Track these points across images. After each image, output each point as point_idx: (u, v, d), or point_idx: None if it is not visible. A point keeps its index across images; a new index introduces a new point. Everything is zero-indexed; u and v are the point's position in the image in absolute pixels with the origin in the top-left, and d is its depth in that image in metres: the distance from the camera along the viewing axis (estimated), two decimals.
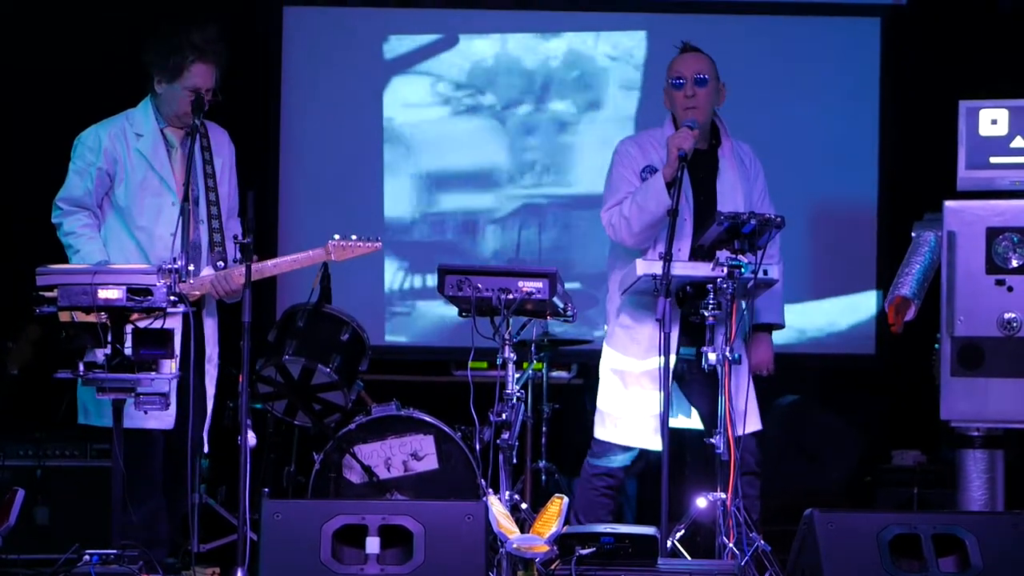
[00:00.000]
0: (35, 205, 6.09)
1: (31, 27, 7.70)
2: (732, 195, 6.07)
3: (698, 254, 5.87)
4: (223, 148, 6.05)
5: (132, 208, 5.89)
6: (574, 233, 8.13)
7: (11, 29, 7.63)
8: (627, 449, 6.10)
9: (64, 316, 5.32)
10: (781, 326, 6.26)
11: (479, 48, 8.23)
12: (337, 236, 6.00)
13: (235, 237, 5.65)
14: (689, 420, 6.13)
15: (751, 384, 6.00)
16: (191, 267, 5.75)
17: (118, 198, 5.90)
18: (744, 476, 5.84)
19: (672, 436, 5.69)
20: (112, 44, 7.06)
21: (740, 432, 5.76)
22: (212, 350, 6.02)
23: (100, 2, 7.68)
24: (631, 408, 6.03)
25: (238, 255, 5.92)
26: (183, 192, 5.80)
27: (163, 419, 5.70)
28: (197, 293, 5.87)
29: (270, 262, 5.97)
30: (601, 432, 6.11)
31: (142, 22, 6.25)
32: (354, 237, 6.01)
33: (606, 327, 6.27)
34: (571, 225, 8.13)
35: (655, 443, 5.90)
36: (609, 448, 6.10)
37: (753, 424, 6.01)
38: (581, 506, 6.13)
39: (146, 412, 5.54)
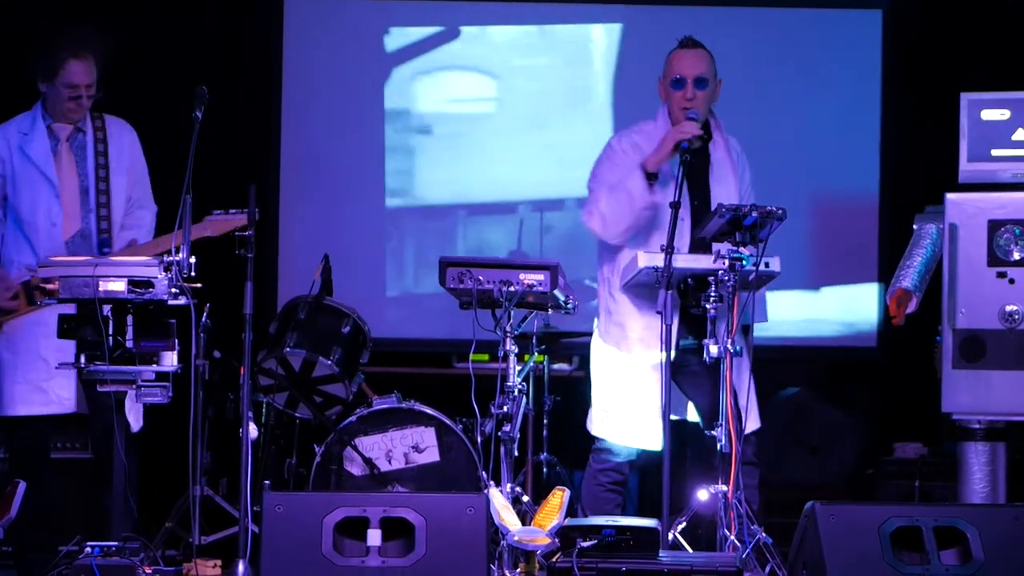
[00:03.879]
0: None
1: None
2: (725, 189, 6.04)
3: (699, 247, 5.85)
4: (122, 138, 6.16)
5: (19, 204, 6.02)
6: (576, 226, 8.12)
7: None
8: (627, 449, 6.09)
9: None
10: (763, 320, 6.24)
11: (480, 40, 8.23)
12: (215, 210, 6.06)
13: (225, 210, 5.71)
14: (686, 415, 6.11)
15: (752, 381, 5.99)
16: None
17: (9, 197, 6.04)
18: (743, 466, 5.84)
19: (672, 429, 5.68)
20: None
21: (743, 425, 5.77)
22: None
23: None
24: (628, 407, 6.02)
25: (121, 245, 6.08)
26: (93, 184, 5.96)
27: (60, 404, 5.85)
28: None
29: (150, 241, 6.07)
30: (598, 429, 6.11)
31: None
32: (232, 211, 6.03)
33: (596, 320, 6.26)
34: (572, 218, 8.12)
35: (652, 443, 5.90)
36: (606, 447, 6.10)
37: (752, 423, 6.00)
38: (588, 502, 6.13)
39: (146, 405, 5.58)
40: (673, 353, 5.76)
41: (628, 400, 6.03)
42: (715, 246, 5.67)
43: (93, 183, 6.03)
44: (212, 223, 6.01)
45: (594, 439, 6.16)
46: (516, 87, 8.20)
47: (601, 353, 6.18)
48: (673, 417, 5.91)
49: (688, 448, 6.69)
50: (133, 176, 6.18)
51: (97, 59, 6.01)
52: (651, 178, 5.86)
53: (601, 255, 6.19)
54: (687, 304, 5.82)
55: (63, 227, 5.99)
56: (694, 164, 5.94)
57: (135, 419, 5.99)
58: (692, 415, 6.10)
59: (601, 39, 8.24)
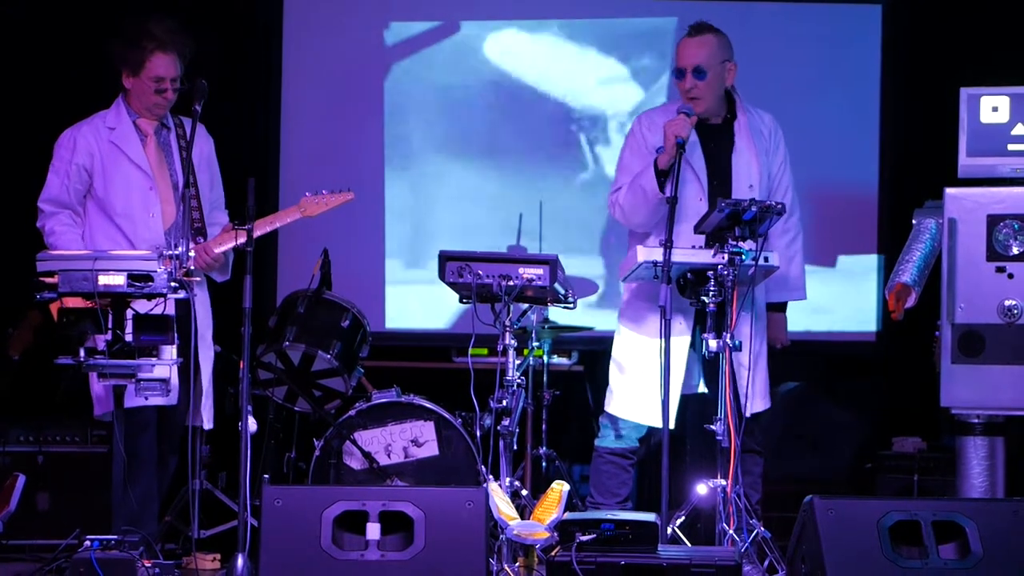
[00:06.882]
0: (34, 193, 6.10)
1: (27, 32, 7.70)
2: (747, 171, 6.05)
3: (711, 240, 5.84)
4: (200, 140, 6.11)
5: (111, 197, 5.97)
6: (576, 219, 8.12)
7: (8, 35, 7.64)
8: (634, 427, 6.09)
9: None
10: (802, 298, 6.33)
11: (480, 35, 8.22)
12: (308, 193, 6.13)
13: (234, 223, 5.67)
14: (695, 389, 6.13)
15: (764, 359, 6.01)
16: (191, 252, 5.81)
17: (97, 190, 5.99)
18: (747, 455, 5.86)
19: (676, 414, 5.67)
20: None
21: (749, 412, 5.80)
22: (205, 330, 6.03)
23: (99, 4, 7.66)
24: (640, 385, 6.03)
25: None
26: (182, 179, 5.90)
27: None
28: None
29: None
30: (612, 407, 6.12)
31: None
32: (325, 191, 6.12)
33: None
34: (574, 211, 8.12)
35: (650, 419, 5.93)
36: (613, 425, 6.10)
37: (759, 403, 6.01)
38: (592, 481, 6.17)
39: (147, 398, 5.56)
40: (688, 339, 5.77)
41: (632, 377, 6.04)
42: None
43: (182, 178, 5.97)
44: (308, 203, 6.09)
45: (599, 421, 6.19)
46: (514, 80, 8.19)
47: (618, 330, 6.20)
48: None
49: (687, 440, 6.71)
50: (212, 177, 6.20)
51: (181, 52, 5.99)
52: (663, 175, 5.85)
53: (631, 236, 6.19)
54: (687, 299, 5.82)
55: (162, 217, 5.96)
56: (716, 142, 5.97)
57: (208, 418, 6.03)
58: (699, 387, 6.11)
59: (596, 35, 8.24)
